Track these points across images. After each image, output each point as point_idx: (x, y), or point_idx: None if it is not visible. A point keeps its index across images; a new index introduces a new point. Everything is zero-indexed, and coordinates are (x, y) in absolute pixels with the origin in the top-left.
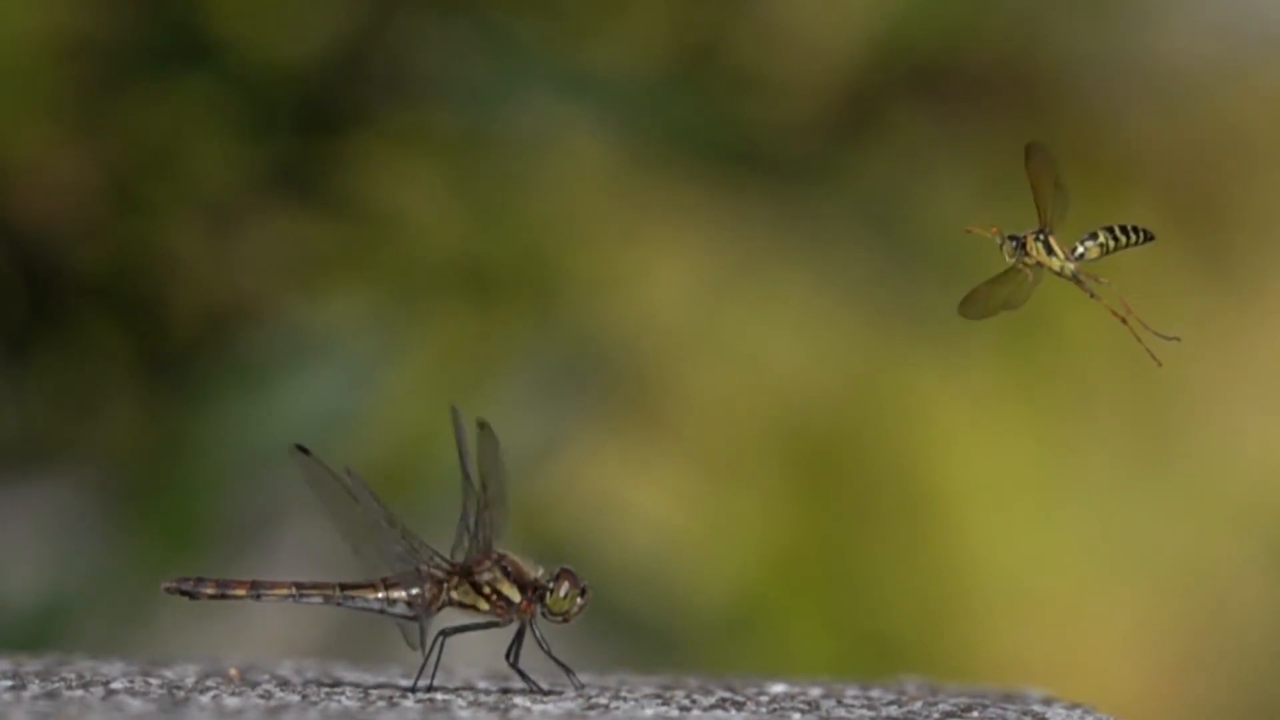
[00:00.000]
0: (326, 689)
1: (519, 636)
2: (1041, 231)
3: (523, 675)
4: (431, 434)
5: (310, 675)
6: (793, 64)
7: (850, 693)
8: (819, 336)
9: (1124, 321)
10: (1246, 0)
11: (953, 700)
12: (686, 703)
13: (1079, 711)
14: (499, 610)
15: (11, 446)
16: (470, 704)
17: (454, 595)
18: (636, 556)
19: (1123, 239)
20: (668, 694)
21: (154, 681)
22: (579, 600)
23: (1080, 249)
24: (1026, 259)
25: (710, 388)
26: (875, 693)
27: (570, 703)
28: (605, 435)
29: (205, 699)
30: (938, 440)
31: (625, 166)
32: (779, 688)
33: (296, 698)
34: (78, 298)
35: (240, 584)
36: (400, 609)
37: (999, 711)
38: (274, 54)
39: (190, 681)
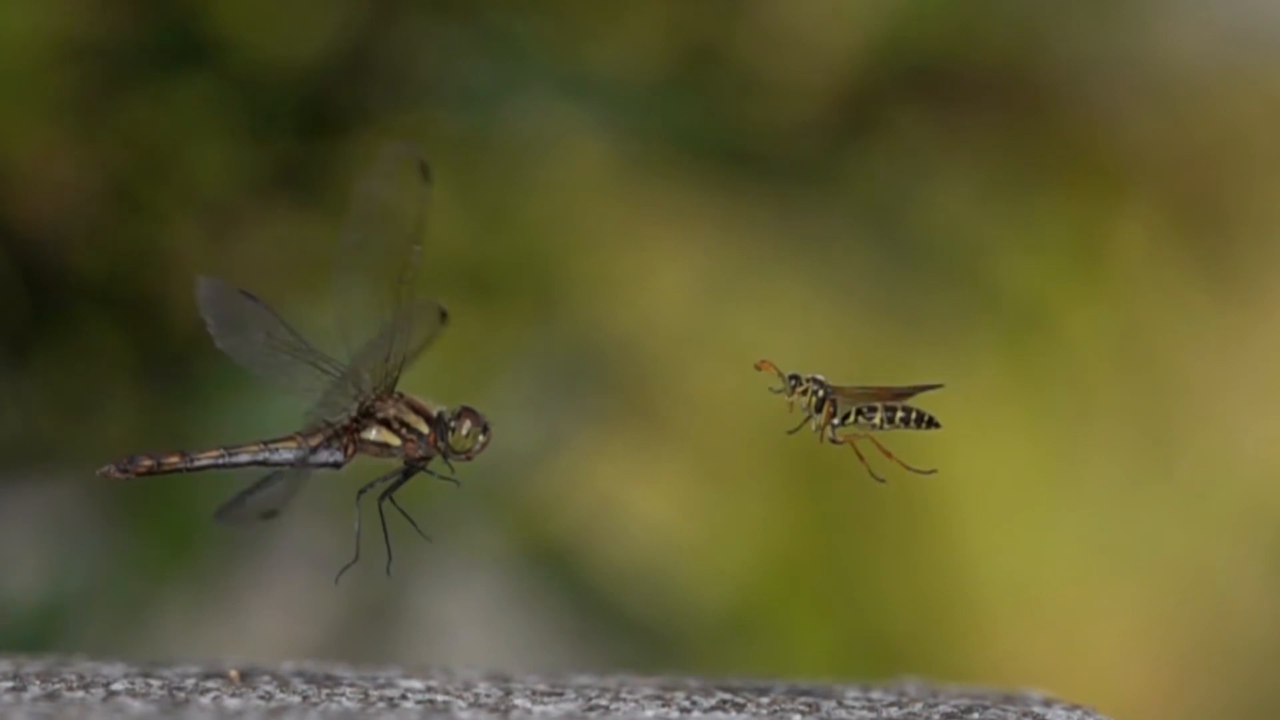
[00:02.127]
0: (326, 689)
1: (405, 475)
2: (825, 389)
3: (402, 512)
4: None
5: (310, 675)
6: (793, 66)
7: (850, 693)
8: (819, 336)
9: (889, 456)
10: (1246, 1)
11: (953, 701)
12: (687, 704)
13: (1079, 712)
14: (410, 445)
15: (11, 447)
16: (470, 704)
17: (367, 436)
18: (637, 557)
19: (903, 425)
20: (668, 695)
21: (154, 682)
22: (480, 438)
23: (859, 419)
24: (795, 399)
25: (710, 389)
26: (875, 693)
27: (570, 703)
28: (605, 436)
29: (205, 700)
30: (938, 441)
31: (626, 168)
32: (779, 688)
33: (296, 698)
34: (78, 299)
35: (172, 454)
36: (321, 456)
37: (999, 713)
38: (274, 55)
39: (190, 682)
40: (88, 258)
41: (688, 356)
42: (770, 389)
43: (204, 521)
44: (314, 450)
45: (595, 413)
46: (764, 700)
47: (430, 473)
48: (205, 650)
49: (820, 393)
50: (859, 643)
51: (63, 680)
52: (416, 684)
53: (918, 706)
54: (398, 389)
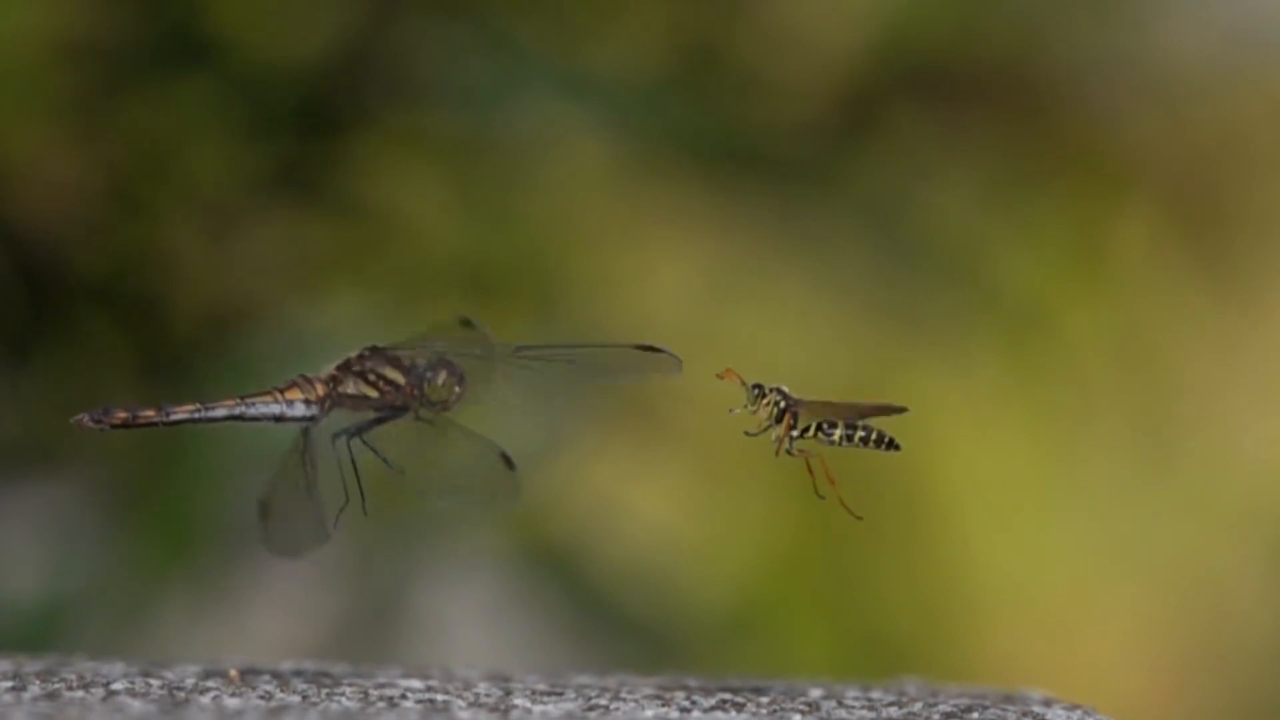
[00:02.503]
0: (327, 689)
1: (378, 420)
2: (787, 400)
3: (371, 449)
4: None
5: (311, 676)
6: (793, 66)
7: (850, 693)
8: (819, 337)
9: (832, 484)
10: (1246, 2)
11: (953, 701)
12: (687, 704)
13: (1079, 712)
14: (387, 396)
15: (11, 446)
16: (470, 704)
17: (344, 390)
18: (637, 557)
19: (862, 445)
20: (668, 695)
21: (154, 682)
22: (456, 389)
23: (819, 434)
24: (758, 411)
25: (710, 388)
26: (875, 693)
27: (571, 703)
28: (606, 436)
29: (205, 699)
30: (938, 441)
31: (625, 168)
32: (779, 688)
33: (296, 698)
34: (78, 298)
35: (148, 408)
36: (298, 410)
37: (999, 712)
38: (275, 55)
39: (190, 682)
40: (88, 258)
41: (688, 356)
42: (730, 410)
43: (204, 521)
44: (290, 404)
45: (595, 413)
46: (764, 700)
47: (405, 420)
48: (205, 650)
49: (782, 404)
50: (859, 643)
51: (63, 680)
52: (416, 684)
53: (917, 706)
54: (372, 344)
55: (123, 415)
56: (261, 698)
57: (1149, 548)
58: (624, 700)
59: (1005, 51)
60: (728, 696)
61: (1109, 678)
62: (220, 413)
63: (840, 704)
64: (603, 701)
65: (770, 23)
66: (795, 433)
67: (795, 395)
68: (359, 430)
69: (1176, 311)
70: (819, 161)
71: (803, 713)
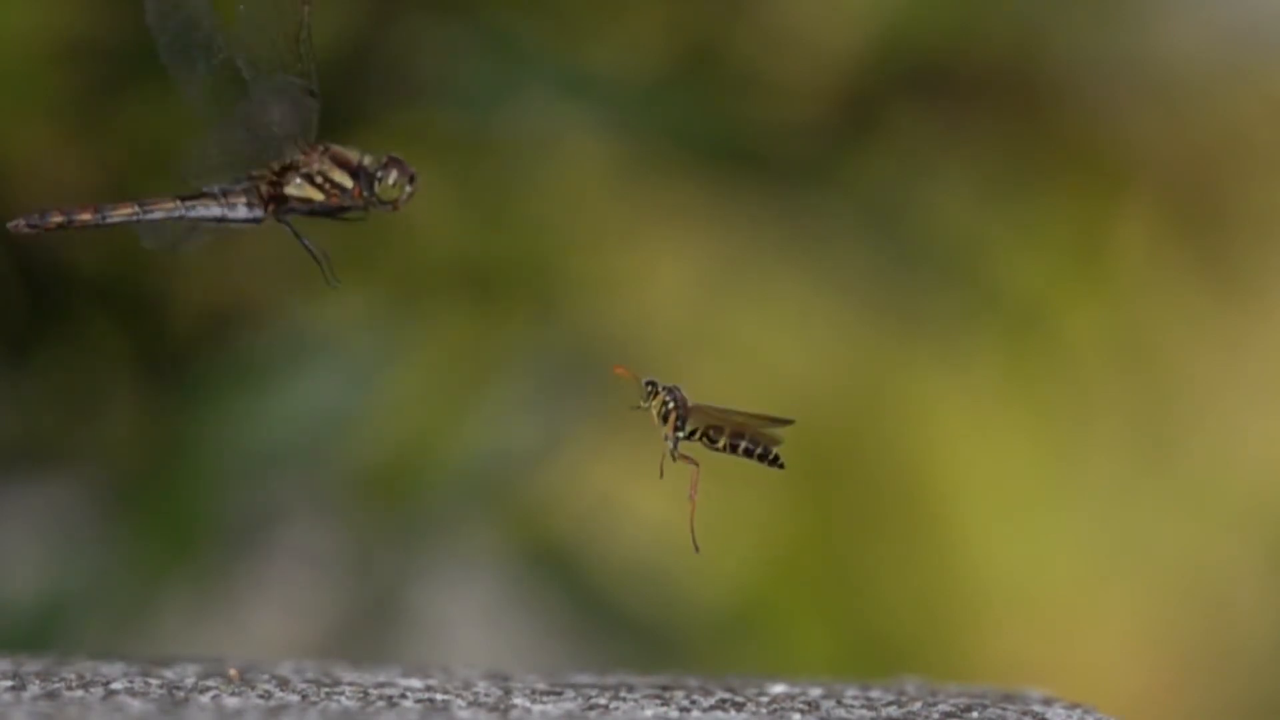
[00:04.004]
0: (326, 689)
1: (326, 213)
2: (677, 402)
3: (306, 248)
4: (431, 434)
5: (310, 675)
6: (792, 65)
7: (850, 693)
8: (819, 337)
9: (691, 499)
10: (1246, 2)
11: (953, 701)
12: (686, 703)
13: (1079, 712)
14: (334, 199)
15: (11, 446)
16: (470, 704)
17: (288, 191)
18: (637, 557)
19: (745, 456)
20: (667, 694)
21: (154, 682)
22: (408, 188)
23: (704, 439)
24: (647, 406)
25: (710, 388)
26: (875, 693)
27: (570, 703)
28: (605, 435)
29: (205, 699)
30: (938, 441)
31: (625, 167)
32: (779, 688)
33: (296, 698)
34: (78, 298)
35: (85, 208)
36: (240, 213)
37: (999, 712)
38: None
39: (190, 682)
40: (87, 256)
41: (687, 356)
42: (631, 406)
43: (204, 521)
44: (232, 207)
45: (595, 412)
46: (764, 700)
47: (351, 219)
48: (205, 650)
49: (669, 403)
50: (859, 643)
51: (62, 679)
52: (416, 683)
53: (917, 706)
54: (322, 141)
55: (58, 219)
56: (261, 697)
57: (1149, 547)
58: (624, 700)
59: (1005, 51)
60: (727, 696)
61: (1109, 678)
62: (159, 214)
63: (840, 703)
64: (602, 701)
65: (770, 23)
66: (681, 434)
67: (686, 398)
68: (298, 211)
69: (1176, 311)
70: (819, 161)
71: (802, 712)
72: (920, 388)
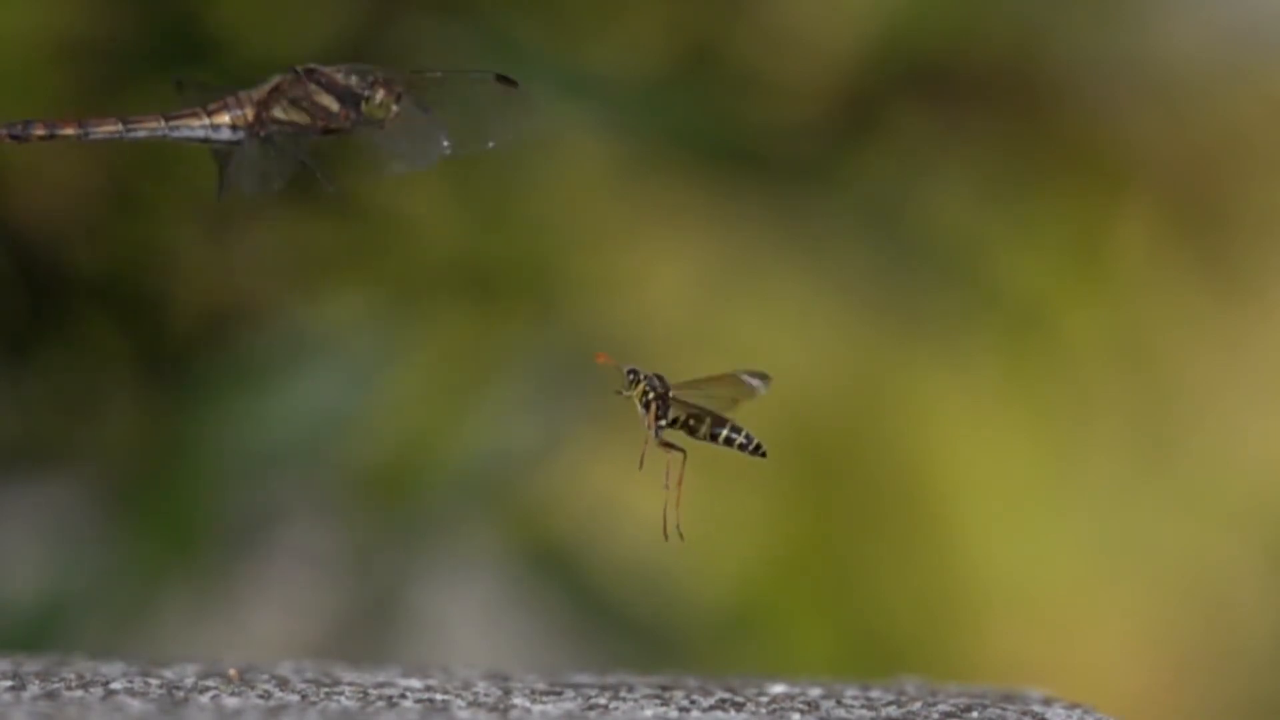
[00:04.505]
0: (326, 689)
1: (316, 134)
2: (658, 390)
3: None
4: (431, 434)
5: (310, 675)
6: (792, 65)
7: (850, 693)
8: (819, 337)
9: (678, 485)
10: (1246, 2)
11: (952, 700)
12: (686, 703)
13: (1079, 712)
14: (320, 120)
15: (11, 446)
16: (470, 704)
17: (275, 114)
18: (636, 557)
19: (726, 446)
20: (667, 694)
21: (153, 682)
22: (394, 107)
23: (685, 430)
24: (628, 393)
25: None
26: (875, 693)
27: (570, 703)
28: (605, 435)
29: (205, 699)
30: (938, 440)
31: (625, 167)
32: (779, 688)
33: (296, 698)
34: (78, 298)
35: (68, 123)
36: (224, 134)
37: (999, 712)
38: (274, 54)
39: (190, 682)
40: (87, 256)
41: (687, 355)
42: (615, 391)
43: (204, 521)
44: (216, 128)
45: (595, 412)
46: (764, 700)
47: (336, 135)
48: (205, 650)
49: (650, 393)
50: (859, 642)
51: (62, 679)
52: (415, 683)
53: (917, 705)
54: (306, 64)
55: (40, 132)
56: (261, 697)
57: (1149, 547)
58: (623, 700)
59: (1005, 51)
60: (727, 696)
61: (1109, 677)
62: (142, 133)
63: (839, 703)
64: (602, 701)
65: (770, 23)
66: (663, 423)
67: (669, 384)
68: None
69: (1176, 311)
70: (819, 161)
71: (802, 712)
72: (920, 388)
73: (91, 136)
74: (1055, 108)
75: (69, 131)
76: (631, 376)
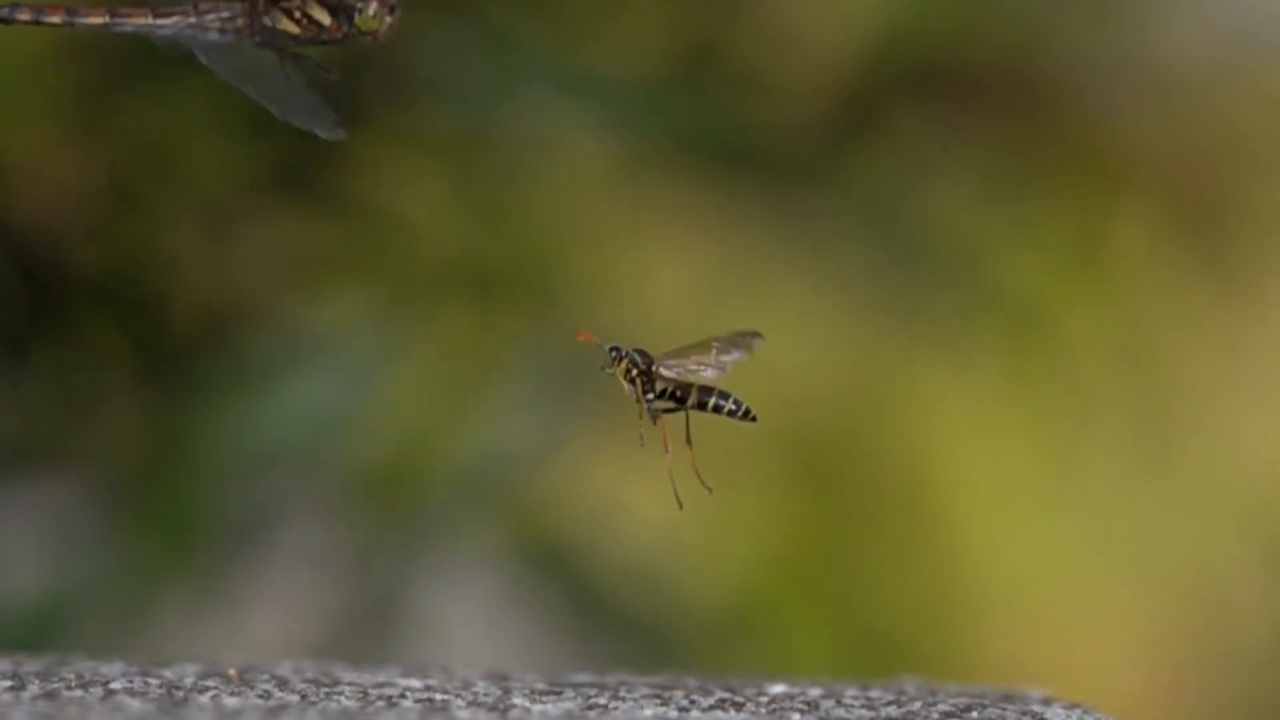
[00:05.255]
0: (326, 689)
1: (307, 44)
2: (640, 364)
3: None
4: (431, 434)
5: (310, 675)
6: (792, 65)
7: (850, 693)
8: (818, 336)
9: (665, 451)
10: (1246, 2)
11: (952, 700)
12: (686, 703)
13: (1078, 711)
14: (310, 33)
15: (11, 446)
16: (470, 704)
17: (264, 21)
18: (636, 557)
19: (715, 413)
20: (667, 694)
21: (153, 681)
22: (388, 19)
23: (673, 400)
24: (611, 370)
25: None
26: (875, 693)
27: (569, 703)
28: (605, 435)
29: (204, 699)
30: (938, 440)
31: (625, 167)
32: (779, 688)
33: (296, 698)
34: (78, 298)
35: (55, 10)
36: (212, 35)
37: (998, 711)
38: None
39: (189, 682)
40: (87, 256)
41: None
42: (602, 368)
43: (204, 521)
44: (205, 30)
45: (594, 411)
46: (763, 700)
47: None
48: (205, 650)
49: (634, 369)
50: (859, 642)
51: (62, 679)
52: (415, 683)
53: (917, 705)
54: None
55: (26, 16)
56: (261, 697)
57: (1149, 546)
58: (623, 699)
59: (1005, 51)
60: (727, 696)
61: (1109, 677)
62: (129, 28)
63: (839, 703)
64: (602, 701)
65: (770, 23)
66: (650, 396)
67: (652, 357)
68: (285, 52)
69: (1176, 311)
70: (819, 161)
71: (802, 712)
72: (920, 388)
73: (78, 25)
74: (1055, 108)
75: (55, 20)
76: (614, 353)
